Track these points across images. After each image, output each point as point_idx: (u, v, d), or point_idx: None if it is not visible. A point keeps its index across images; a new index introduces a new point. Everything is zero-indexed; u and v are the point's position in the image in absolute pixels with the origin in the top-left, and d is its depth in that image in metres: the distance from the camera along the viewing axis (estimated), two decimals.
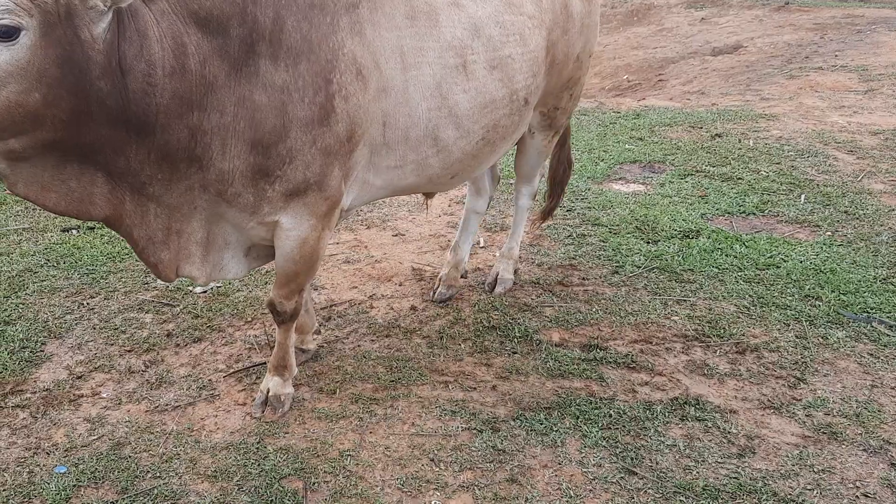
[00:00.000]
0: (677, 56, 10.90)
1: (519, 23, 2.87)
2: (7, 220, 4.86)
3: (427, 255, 4.51)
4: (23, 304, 3.88)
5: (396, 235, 4.78)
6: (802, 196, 5.21)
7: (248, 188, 2.46)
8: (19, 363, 3.36)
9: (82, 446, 2.85)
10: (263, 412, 3.01)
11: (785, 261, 4.27)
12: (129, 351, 3.50)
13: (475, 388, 3.21)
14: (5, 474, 2.68)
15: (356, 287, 4.14)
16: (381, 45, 2.54)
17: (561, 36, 3.14)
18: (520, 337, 3.59)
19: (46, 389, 3.19)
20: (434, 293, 3.96)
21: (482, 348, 3.51)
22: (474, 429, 2.94)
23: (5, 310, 3.81)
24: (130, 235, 2.47)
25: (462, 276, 4.09)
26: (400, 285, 4.16)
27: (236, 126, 2.34)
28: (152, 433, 2.92)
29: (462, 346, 3.54)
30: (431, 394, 3.16)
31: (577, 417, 3.01)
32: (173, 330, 3.67)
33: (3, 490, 2.60)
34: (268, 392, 3.04)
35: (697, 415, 3.03)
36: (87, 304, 3.92)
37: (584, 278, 4.16)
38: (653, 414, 3.03)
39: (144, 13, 2.16)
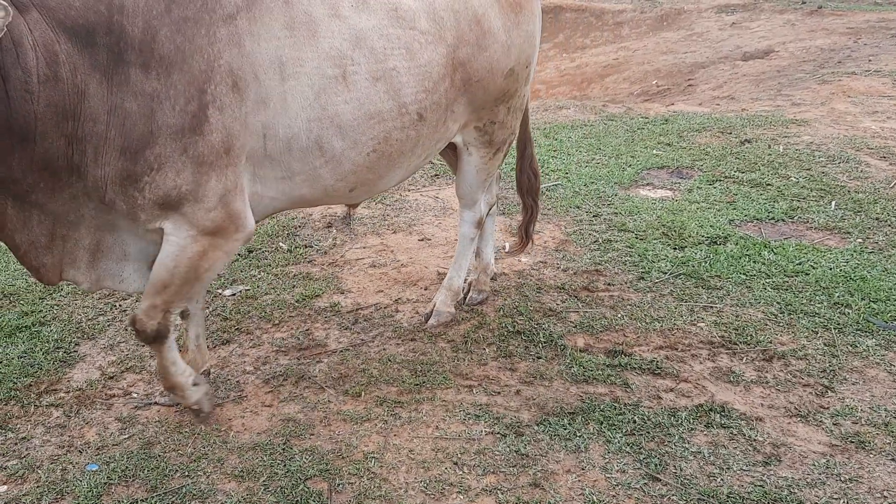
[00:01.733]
0: (707, 61, 10.82)
1: (406, 37, 2.86)
2: None
3: (452, 259, 4.53)
4: (57, 306, 3.97)
5: (422, 240, 4.81)
6: (833, 202, 5.15)
7: (119, 195, 2.48)
8: (53, 363, 3.44)
9: (113, 445, 2.91)
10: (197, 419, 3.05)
11: (814, 268, 4.22)
12: None
13: (499, 393, 3.23)
14: (39, 471, 2.75)
15: (382, 291, 4.18)
16: (259, 57, 2.55)
17: (476, 53, 3.10)
18: (544, 342, 3.59)
19: (79, 389, 3.27)
20: (466, 297, 3.97)
21: (506, 353, 3.52)
22: (498, 433, 2.96)
23: (40, 311, 3.91)
24: (12, 240, 2.51)
25: (493, 279, 4.09)
26: (425, 289, 4.19)
27: (108, 134, 2.39)
28: (181, 433, 2.98)
29: (486, 350, 3.56)
30: (455, 398, 3.18)
31: (602, 423, 3.01)
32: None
33: (38, 487, 2.67)
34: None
35: (723, 422, 3.01)
36: (119, 305, 4.00)
37: (609, 284, 4.16)
38: (677, 420, 3.02)
39: (19, 22, 2.20)
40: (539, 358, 3.48)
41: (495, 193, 3.96)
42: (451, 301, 3.83)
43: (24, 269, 4.27)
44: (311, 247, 4.76)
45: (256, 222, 2.91)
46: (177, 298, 2.76)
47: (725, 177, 5.68)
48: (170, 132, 2.42)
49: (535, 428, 2.98)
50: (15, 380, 3.30)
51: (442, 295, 3.85)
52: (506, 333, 3.68)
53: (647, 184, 5.68)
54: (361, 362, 3.46)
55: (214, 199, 2.56)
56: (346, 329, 3.77)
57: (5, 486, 2.67)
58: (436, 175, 6.00)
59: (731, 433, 2.95)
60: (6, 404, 3.14)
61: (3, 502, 2.62)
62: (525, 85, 3.45)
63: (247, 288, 4.21)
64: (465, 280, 3.99)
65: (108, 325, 3.79)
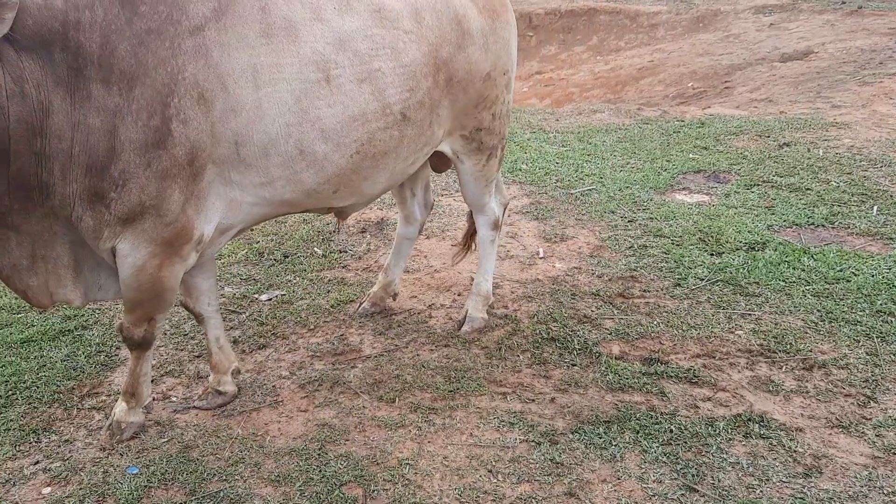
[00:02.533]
0: (744, 63, 10.66)
1: (391, 36, 2.86)
2: None
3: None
4: (99, 310, 4.05)
5: (455, 245, 4.81)
6: (875, 207, 5.04)
7: (87, 212, 2.48)
8: (95, 367, 3.51)
9: (153, 448, 2.96)
10: (105, 437, 2.99)
11: (855, 274, 4.14)
12: (197, 357, 3.62)
13: (533, 400, 3.21)
14: (82, 474, 2.81)
15: (415, 297, 4.19)
16: (229, 67, 2.53)
17: (456, 52, 3.11)
18: (579, 349, 3.58)
19: (120, 393, 3.32)
20: (359, 307, 3.99)
21: (541, 360, 3.51)
22: (532, 441, 2.95)
23: (83, 315, 3.99)
24: None
25: (392, 297, 4.04)
26: (458, 295, 4.19)
27: (73, 150, 2.38)
28: (219, 437, 3.02)
29: (520, 357, 3.55)
30: (489, 405, 3.18)
31: (637, 432, 2.98)
32: (239, 336, 3.78)
33: (80, 489, 2.72)
34: (113, 417, 3.02)
35: (762, 432, 2.97)
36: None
37: (645, 290, 4.12)
38: (715, 430, 2.98)
39: None
40: (574, 365, 3.47)
41: (506, 193, 3.97)
42: (482, 306, 3.84)
43: None
44: (346, 252, 4.80)
45: (242, 230, 2.95)
46: (155, 309, 2.80)
47: (763, 181, 5.59)
48: (133, 147, 2.41)
49: (570, 436, 2.97)
50: (58, 383, 3.37)
51: (472, 301, 3.85)
52: (540, 340, 3.67)
53: (684, 188, 5.62)
54: (395, 368, 3.47)
55: (176, 211, 2.57)
56: (380, 335, 3.79)
57: (49, 488, 2.73)
58: None
59: (771, 444, 2.91)
60: (50, 407, 3.21)
61: None
62: (507, 92, 3.46)
63: (282, 293, 4.26)
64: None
65: None
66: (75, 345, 3.70)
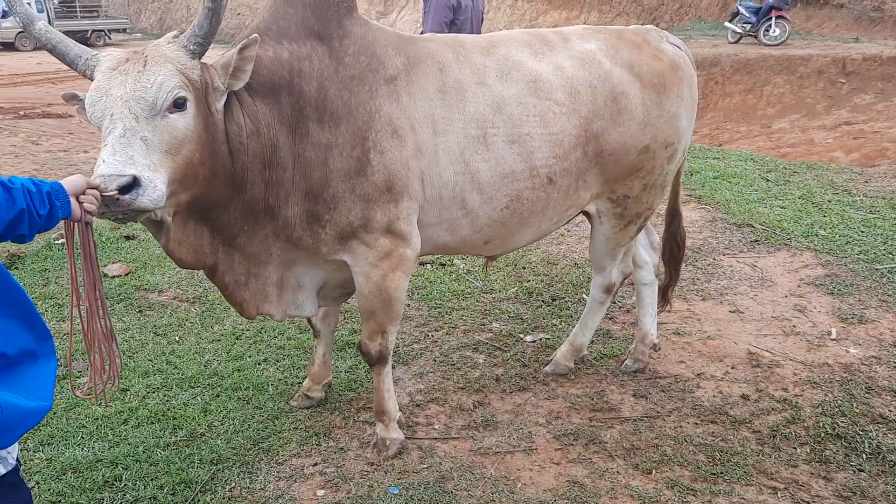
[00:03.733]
0: None
1: (542, 106, 3.05)
2: None
3: (767, 339, 4.20)
4: None
5: (734, 312, 4.52)
6: None
7: (306, 231, 2.84)
8: (372, 383, 3.81)
9: (413, 472, 3.13)
10: (372, 453, 3.25)
11: None
12: (461, 388, 3.78)
13: (809, 503, 2.90)
14: (350, 483, 3.06)
15: (683, 362, 4.00)
16: (415, 112, 2.87)
17: (610, 127, 3.18)
18: (869, 453, 3.16)
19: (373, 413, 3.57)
20: (622, 365, 3.97)
21: (822, 458, 3.16)
22: None
23: None
24: (222, 280, 2.86)
25: (654, 349, 4.00)
26: (732, 368, 3.93)
27: (294, 178, 2.73)
28: (473, 473, 3.11)
29: (798, 450, 3.22)
30: (757, 498, 2.93)
31: None
32: (502, 375, 3.89)
33: (348, 498, 2.97)
34: (377, 436, 3.30)
35: None
36: (432, 336, 4.32)
37: None
38: None
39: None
40: (861, 471, 3.07)
41: (631, 264, 3.95)
42: (571, 356, 3.92)
43: None
44: (614, 303, 4.72)
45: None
46: (386, 320, 3.09)
47: None
48: (340, 175, 2.77)
49: None
50: (341, 392, 3.72)
51: (565, 347, 3.94)
52: (823, 435, 3.30)
53: None
54: (655, 436, 3.34)
55: (380, 226, 2.87)
56: (641, 397, 3.67)
57: (323, 491, 3.02)
58: (755, 241, 5.62)
59: None
60: (332, 413, 3.55)
61: None
62: (668, 164, 3.42)
63: (547, 336, 4.30)
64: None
65: (420, 354, 4.11)
66: (357, 358, 4.05)
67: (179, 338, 4.27)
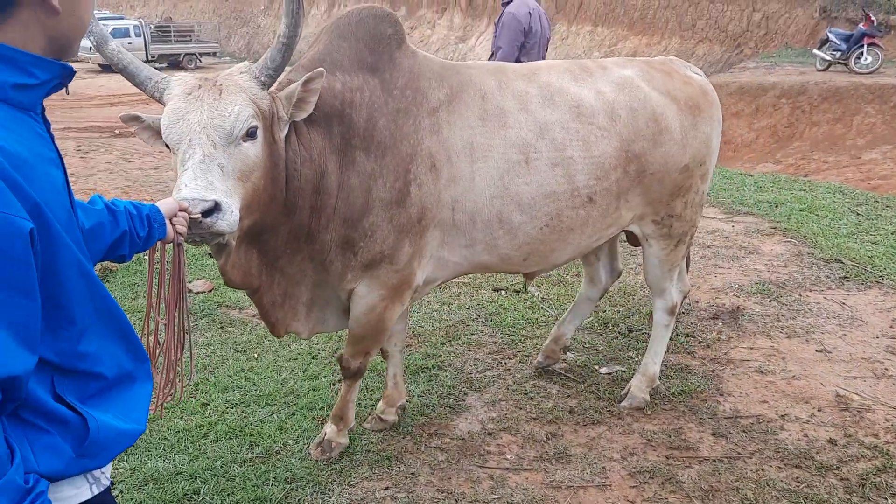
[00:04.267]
0: None
1: (584, 130, 3.15)
2: None
3: (857, 381, 4.01)
4: (453, 354, 4.42)
5: (821, 351, 4.34)
6: None
7: (338, 256, 2.90)
8: (444, 408, 3.82)
9: (483, 501, 3.11)
10: (315, 451, 3.39)
11: None
12: (534, 418, 3.74)
13: None
14: None
15: (766, 402, 3.86)
16: (454, 142, 2.95)
17: (651, 147, 3.30)
18: None
19: (462, 438, 3.57)
20: (536, 360, 4.20)
21: None
22: None
23: (440, 355, 4.38)
24: (261, 300, 2.92)
25: (563, 351, 4.24)
26: (819, 410, 3.76)
27: (336, 205, 2.80)
28: None
29: (889, 500, 3.06)
30: None
31: None
32: (575, 407, 3.83)
33: None
34: (324, 436, 3.41)
35: None
36: (505, 363, 4.30)
37: None
38: None
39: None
40: None
41: (687, 282, 4.02)
42: (646, 387, 3.88)
43: (430, 313, 4.84)
44: (693, 337, 4.60)
45: (442, 282, 3.34)
46: (374, 345, 3.26)
47: None
48: (381, 204, 2.85)
49: None
50: (413, 416, 3.73)
51: (638, 380, 3.90)
52: None
53: None
54: (735, 479, 3.22)
55: (404, 261, 2.97)
56: (721, 437, 3.55)
57: None
58: (844, 277, 5.40)
59: None
60: (403, 438, 3.56)
61: None
62: (703, 183, 3.58)
63: (623, 369, 4.22)
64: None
65: (493, 382, 4.09)
66: (430, 383, 4.06)
67: (258, 355, 4.38)
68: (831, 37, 16.72)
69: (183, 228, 2.08)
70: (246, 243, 2.68)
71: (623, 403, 3.85)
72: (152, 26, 33.39)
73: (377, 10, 2.95)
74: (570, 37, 29.10)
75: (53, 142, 1.42)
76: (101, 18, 30.85)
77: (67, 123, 13.19)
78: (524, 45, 5.46)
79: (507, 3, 5.56)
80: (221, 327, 4.75)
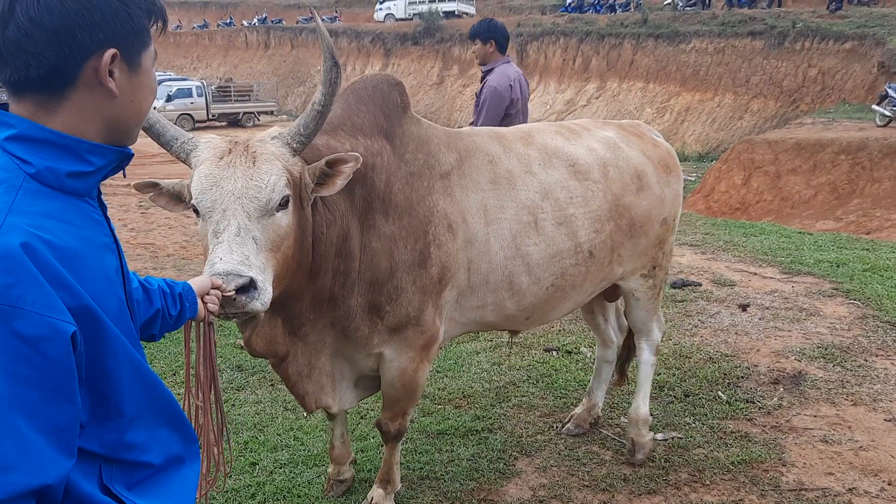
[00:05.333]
0: None
1: (582, 187, 3.29)
2: (500, 333, 5.51)
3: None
4: (504, 416, 4.34)
5: (890, 421, 4.14)
6: None
7: (365, 322, 2.88)
8: (494, 473, 3.73)
9: None
10: None
11: None
12: (586, 486, 3.62)
13: None
14: None
15: (833, 474, 3.67)
16: (467, 204, 3.02)
17: (637, 201, 3.48)
18: None
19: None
20: (563, 426, 4.16)
21: None
22: None
23: (490, 417, 4.30)
24: (286, 371, 2.87)
25: (594, 420, 4.19)
26: (889, 484, 3.56)
27: (360, 268, 2.78)
28: None
29: None
30: None
31: None
32: (630, 475, 3.71)
33: None
34: (371, 500, 3.36)
35: None
36: (556, 427, 4.20)
37: None
38: None
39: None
40: None
41: (663, 322, 4.14)
42: (645, 431, 3.89)
43: (480, 373, 4.78)
44: (754, 403, 4.44)
45: (443, 342, 3.29)
46: (409, 405, 3.24)
47: None
48: (404, 267, 2.85)
49: None
50: (462, 481, 3.65)
51: (635, 428, 3.91)
52: None
53: None
54: None
55: (429, 321, 2.98)
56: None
57: None
58: None
59: None
60: (452, 503, 3.49)
61: None
62: (672, 234, 3.81)
63: (679, 436, 4.08)
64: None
65: (545, 446, 4.00)
66: (480, 446, 3.99)
67: (307, 415, 4.37)
68: (891, 92, 16.43)
69: (214, 307, 2.01)
70: (271, 310, 2.53)
71: (637, 457, 3.83)
72: (213, 87, 34.71)
73: (390, 78, 3.03)
74: (621, 94, 29.24)
75: (109, 224, 1.40)
76: (165, 80, 32.31)
77: (130, 181, 13.66)
78: (507, 114, 5.41)
79: (487, 72, 5.50)
80: (272, 384, 4.77)
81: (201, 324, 2.02)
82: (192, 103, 31.14)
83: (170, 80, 33.86)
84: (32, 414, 1.14)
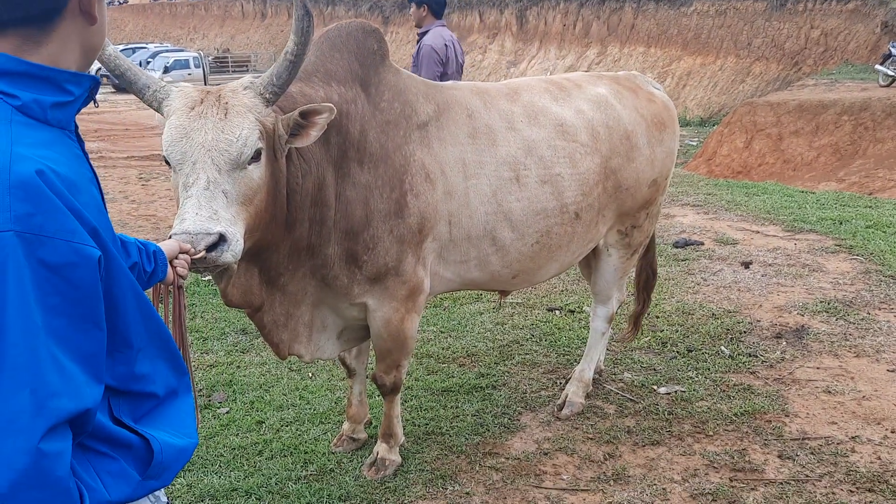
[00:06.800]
0: None
1: (570, 148, 3.26)
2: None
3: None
4: (508, 373, 4.36)
5: (893, 371, 4.15)
6: None
7: (343, 271, 2.87)
8: (499, 427, 3.76)
9: None
10: (369, 471, 3.34)
11: None
12: (590, 438, 3.65)
13: None
14: None
15: (836, 423, 3.70)
16: (445, 157, 2.99)
17: (625, 163, 3.46)
18: None
19: (517, 458, 3.50)
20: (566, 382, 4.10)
21: None
22: None
23: (494, 375, 4.33)
24: (261, 320, 2.87)
25: (597, 376, 4.15)
26: (892, 432, 3.59)
27: (335, 217, 2.76)
28: None
29: None
30: None
31: None
32: (633, 427, 3.73)
33: None
34: (377, 455, 3.39)
35: None
36: (560, 384, 4.23)
37: None
38: None
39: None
40: None
41: (625, 292, 4.12)
42: (582, 392, 3.94)
43: (483, 333, 4.80)
44: (756, 356, 4.46)
45: (431, 297, 3.31)
46: (401, 356, 3.22)
47: None
48: (380, 216, 2.83)
49: None
50: (466, 436, 3.68)
51: (573, 386, 3.96)
52: None
53: None
54: (804, 502, 3.08)
55: (409, 271, 2.97)
56: (787, 458, 3.41)
57: None
58: None
59: None
60: (458, 457, 3.52)
61: None
62: (662, 194, 3.77)
63: (682, 389, 4.11)
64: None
65: (549, 401, 4.02)
66: (485, 402, 4.01)
67: (312, 375, 4.39)
68: (894, 51, 16.24)
69: (184, 271, 1.96)
70: (246, 261, 2.57)
71: (564, 412, 3.86)
72: (211, 58, 34.45)
73: (365, 25, 2.97)
74: (622, 59, 28.99)
75: (88, 160, 1.39)
76: (162, 51, 32.05)
77: (130, 152, 13.60)
78: (444, 74, 5.58)
79: (423, 34, 5.69)
80: None
81: (170, 287, 1.97)
82: (189, 74, 30.91)
83: (167, 51, 33.62)
84: (66, 341, 1.15)
